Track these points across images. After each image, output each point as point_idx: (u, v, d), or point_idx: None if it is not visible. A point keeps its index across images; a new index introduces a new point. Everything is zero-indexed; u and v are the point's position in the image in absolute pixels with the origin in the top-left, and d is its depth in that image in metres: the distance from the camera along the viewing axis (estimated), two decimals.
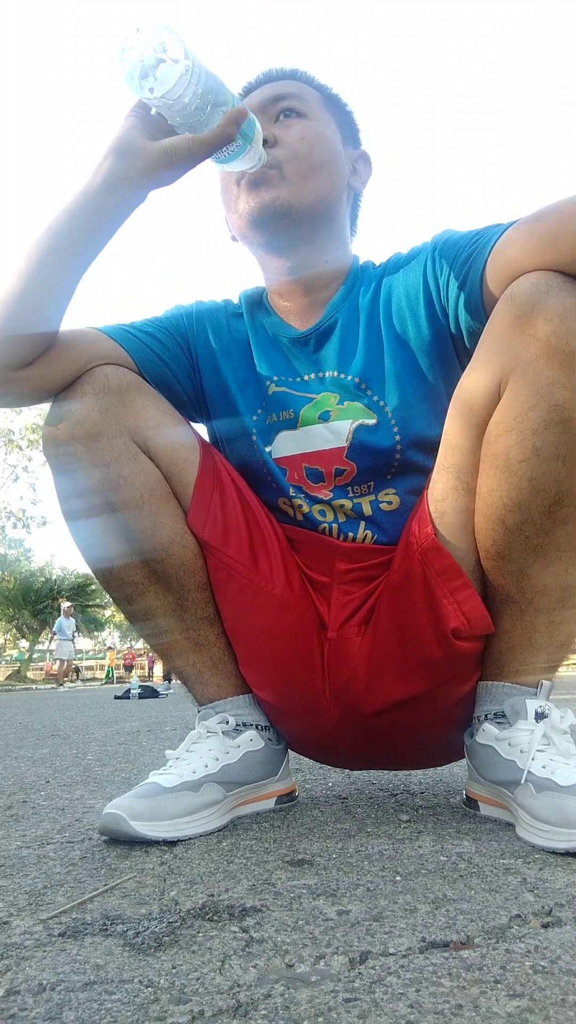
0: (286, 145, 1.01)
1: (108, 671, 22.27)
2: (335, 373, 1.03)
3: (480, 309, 0.89)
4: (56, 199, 0.94)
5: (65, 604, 16.49)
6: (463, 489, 0.89)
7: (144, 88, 0.84)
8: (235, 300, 1.15)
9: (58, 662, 15.34)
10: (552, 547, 0.84)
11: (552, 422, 0.78)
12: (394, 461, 1.00)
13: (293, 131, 1.02)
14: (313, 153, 1.02)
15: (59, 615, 15.75)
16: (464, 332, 0.94)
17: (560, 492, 0.81)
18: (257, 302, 1.12)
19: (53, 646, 17.43)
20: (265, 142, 0.99)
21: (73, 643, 16.05)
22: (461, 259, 0.92)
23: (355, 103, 1.12)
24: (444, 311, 0.96)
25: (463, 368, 0.94)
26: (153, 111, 0.91)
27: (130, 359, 1.03)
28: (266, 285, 1.12)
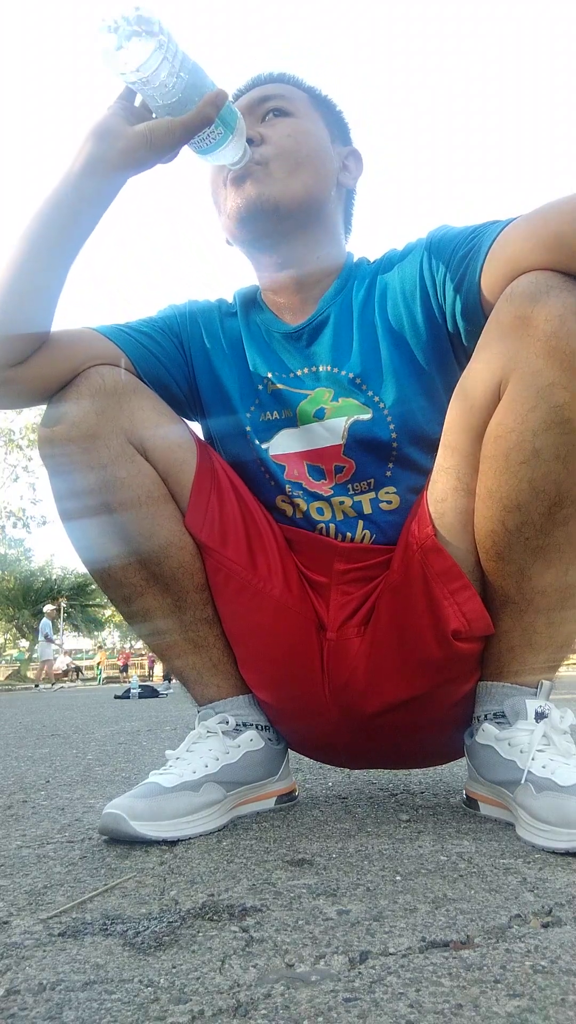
0: (272, 142, 1.01)
1: (97, 672, 22.11)
2: (329, 368, 1.02)
3: (478, 308, 0.89)
4: (40, 188, 0.94)
5: (48, 607, 16.57)
6: (463, 490, 0.89)
7: (120, 63, 0.84)
8: (229, 299, 1.15)
9: (47, 663, 15.48)
10: (552, 548, 0.84)
11: (552, 423, 0.78)
12: (391, 456, 1.00)
13: (279, 128, 1.02)
14: (299, 149, 1.02)
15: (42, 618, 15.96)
16: (461, 330, 0.94)
17: (560, 493, 0.81)
18: (251, 300, 1.12)
19: (40, 648, 17.52)
20: (251, 142, 0.99)
21: (51, 644, 16.28)
22: (458, 257, 0.91)
23: (355, 103, 1.13)
24: (441, 309, 0.96)
25: (460, 365, 0.94)
26: (137, 101, 0.92)
27: (127, 359, 1.03)
28: (259, 283, 1.12)
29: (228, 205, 1.03)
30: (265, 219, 1.01)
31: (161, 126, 0.88)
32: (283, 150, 1.01)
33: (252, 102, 1.05)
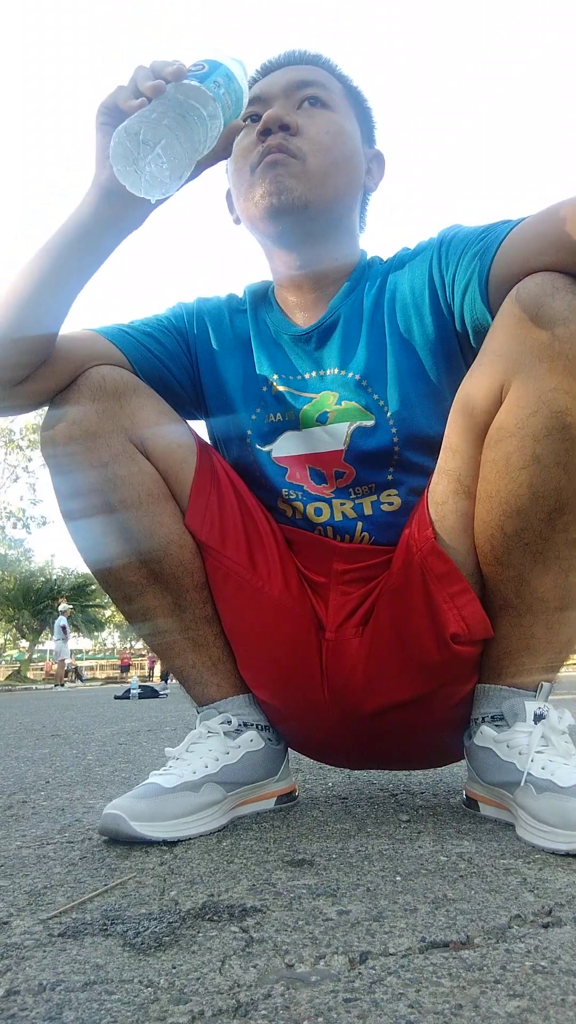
0: (308, 135, 0.99)
1: (75, 670, 21.76)
2: (336, 370, 1.02)
3: (486, 308, 0.88)
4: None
5: (63, 606, 16.58)
6: (463, 493, 0.88)
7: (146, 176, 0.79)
8: (239, 295, 1.15)
9: (62, 662, 15.48)
10: (552, 554, 0.83)
11: (553, 428, 0.77)
12: (392, 461, 1.00)
13: (317, 122, 1.00)
14: (335, 148, 1.00)
15: (57, 615, 15.91)
16: (470, 331, 0.93)
17: (560, 499, 0.80)
18: (262, 297, 1.12)
19: (54, 646, 17.52)
20: (286, 128, 0.98)
21: (67, 643, 16.26)
22: (468, 256, 0.91)
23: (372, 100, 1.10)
24: (449, 309, 0.95)
25: (467, 367, 0.94)
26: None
27: (126, 360, 1.03)
28: (272, 278, 1.11)
29: (256, 195, 1.00)
30: (294, 217, 0.99)
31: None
32: (320, 147, 0.99)
33: (290, 85, 1.02)
